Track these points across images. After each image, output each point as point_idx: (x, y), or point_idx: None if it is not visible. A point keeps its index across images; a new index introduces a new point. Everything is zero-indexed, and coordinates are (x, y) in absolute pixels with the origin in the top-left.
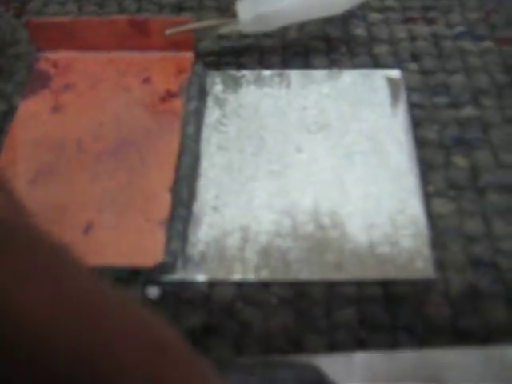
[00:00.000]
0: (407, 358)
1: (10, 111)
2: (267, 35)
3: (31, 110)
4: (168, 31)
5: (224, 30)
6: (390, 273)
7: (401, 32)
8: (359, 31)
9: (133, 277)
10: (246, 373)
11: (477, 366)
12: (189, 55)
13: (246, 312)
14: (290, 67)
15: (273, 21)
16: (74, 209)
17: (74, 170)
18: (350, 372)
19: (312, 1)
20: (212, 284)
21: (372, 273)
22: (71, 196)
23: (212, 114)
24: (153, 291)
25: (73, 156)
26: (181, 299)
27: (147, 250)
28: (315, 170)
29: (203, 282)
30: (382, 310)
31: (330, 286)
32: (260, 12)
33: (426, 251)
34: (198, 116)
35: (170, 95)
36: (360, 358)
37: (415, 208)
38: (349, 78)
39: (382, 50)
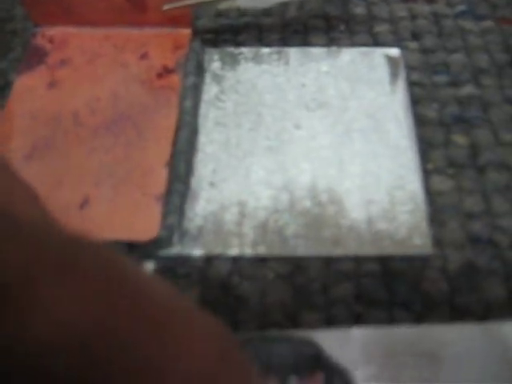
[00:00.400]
0: (405, 334)
1: (6, 87)
2: (266, 13)
3: (27, 86)
4: (165, 7)
5: (222, 6)
6: (388, 248)
7: (401, 11)
8: (359, 10)
9: (129, 251)
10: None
11: (474, 342)
12: (186, 31)
13: (242, 287)
14: (288, 45)
15: None
16: (70, 183)
17: (71, 144)
18: (347, 347)
19: None
20: (208, 259)
21: (369, 248)
22: (67, 170)
23: (210, 91)
24: (148, 266)
25: (69, 130)
26: (176, 274)
27: (143, 225)
28: (313, 146)
29: (199, 257)
30: (379, 286)
31: (328, 262)
32: None
33: (424, 227)
34: (196, 91)
35: (167, 71)
36: (357, 333)
37: (414, 184)
38: (348, 56)
39: (381, 28)
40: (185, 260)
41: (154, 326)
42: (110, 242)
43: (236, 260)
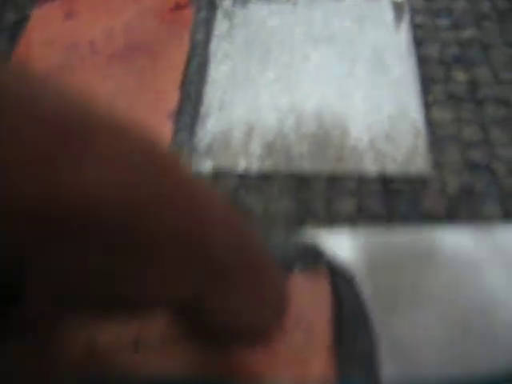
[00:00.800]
0: (405, 233)
1: (24, 20)
2: None
3: (44, 16)
4: None
5: None
6: (389, 167)
7: None
8: None
9: None
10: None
11: (471, 242)
12: None
13: (247, 200)
14: None
15: None
16: None
17: (86, 71)
18: (348, 245)
19: None
20: (216, 174)
21: (371, 166)
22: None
23: (221, 26)
24: None
25: (85, 57)
26: None
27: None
28: (320, 76)
29: (208, 172)
30: (380, 203)
31: (331, 179)
32: None
33: (424, 150)
34: (207, 26)
35: (179, 6)
36: (358, 232)
37: (415, 112)
38: None
39: None
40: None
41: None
42: None
43: (243, 176)
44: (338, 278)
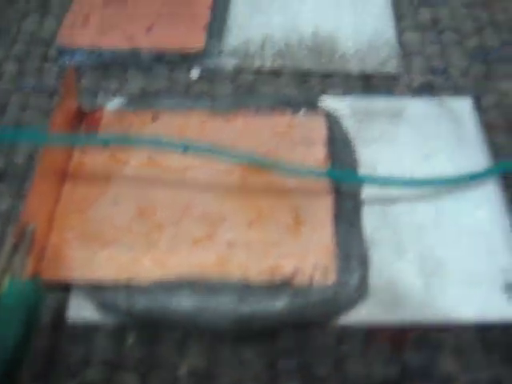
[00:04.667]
0: (381, 100)
1: None
2: None
3: None
4: None
5: None
6: (369, 66)
7: None
8: None
9: (180, 61)
10: None
11: (430, 109)
12: None
13: (261, 89)
14: None
15: None
16: (135, 17)
17: None
18: (339, 103)
19: None
20: (239, 70)
21: (355, 67)
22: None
23: None
24: (195, 72)
25: None
26: (213, 80)
27: (193, 39)
28: (317, 3)
29: (231, 69)
30: (361, 93)
31: (325, 77)
32: None
33: (396, 56)
34: None
35: None
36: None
37: (390, 32)
38: None
39: None
40: (220, 71)
41: None
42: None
43: (258, 72)
44: (331, 118)
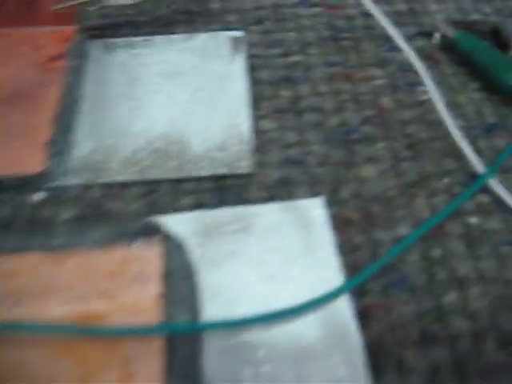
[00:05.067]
0: (222, 213)
1: None
2: (139, 13)
3: None
4: (54, 7)
5: (104, 3)
6: (220, 170)
7: (248, 3)
8: (215, 5)
9: (20, 185)
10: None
11: (281, 215)
12: (73, 27)
13: (110, 204)
14: (158, 34)
15: None
16: None
17: None
18: (182, 222)
19: None
20: (85, 187)
21: (206, 171)
22: None
23: (90, 71)
24: (37, 196)
25: None
26: (58, 202)
27: (32, 161)
28: (169, 104)
29: (78, 186)
30: (214, 198)
31: (175, 183)
32: None
33: (249, 153)
34: (78, 72)
35: (56, 57)
36: (191, 214)
37: (244, 125)
38: (201, 38)
39: (232, 18)
40: (66, 189)
41: None
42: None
43: (104, 186)
44: (171, 245)
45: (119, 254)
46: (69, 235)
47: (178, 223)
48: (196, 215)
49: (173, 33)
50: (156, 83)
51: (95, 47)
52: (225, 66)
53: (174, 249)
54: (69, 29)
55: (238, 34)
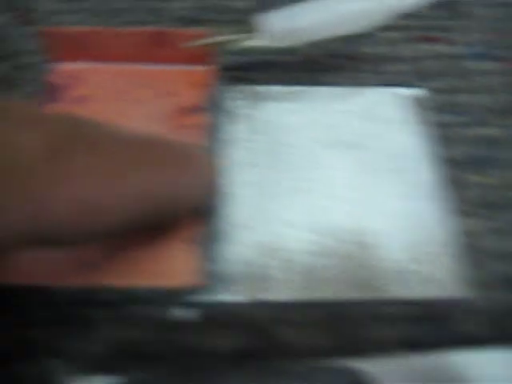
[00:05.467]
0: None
1: None
2: (289, 51)
3: None
4: (185, 44)
5: (245, 45)
6: (430, 291)
7: (423, 51)
8: (382, 49)
9: (165, 299)
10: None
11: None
12: (207, 69)
13: (285, 333)
14: (315, 84)
15: (301, 36)
16: None
17: None
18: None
19: (342, 17)
20: (243, 305)
21: (413, 291)
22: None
23: (233, 130)
24: (188, 314)
25: None
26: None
27: (179, 270)
28: (341, 186)
29: (235, 303)
30: (424, 331)
31: (370, 306)
32: (288, 26)
33: (464, 270)
34: (217, 131)
35: (189, 110)
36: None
37: (452, 226)
38: (372, 95)
39: (405, 67)
40: (223, 306)
41: None
42: (142, 289)
43: (274, 306)
44: None
45: None
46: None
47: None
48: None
49: (332, 83)
50: (319, 156)
51: (235, 96)
52: (406, 137)
53: None
54: (203, 70)
55: (418, 92)
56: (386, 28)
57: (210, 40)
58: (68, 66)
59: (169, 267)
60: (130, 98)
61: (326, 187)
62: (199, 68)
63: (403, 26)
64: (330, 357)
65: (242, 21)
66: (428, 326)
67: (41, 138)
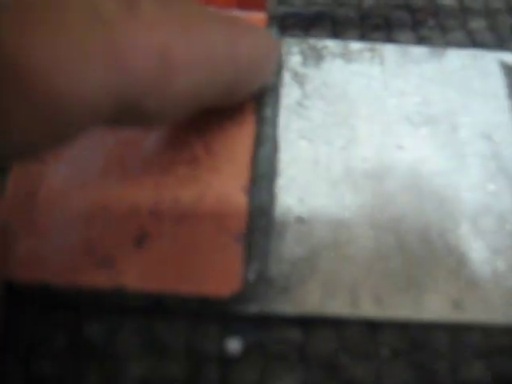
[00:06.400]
0: None
1: None
2: (340, 3)
3: None
4: None
5: None
6: None
7: (499, 2)
8: (448, 1)
9: (200, 310)
10: None
11: None
12: (259, 16)
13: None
14: (371, 40)
15: None
16: (124, 211)
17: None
18: None
19: None
20: (303, 320)
21: (501, 315)
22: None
23: (290, 94)
24: (233, 344)
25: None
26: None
27: (220, 274)
28: (421, 173)
29: (291, 316)
30: None
31: (453, 331)
32: None
33: None
34: (276, 94)
35: None
36: None
37: None
38: (455, 59)
39: (477, 24)
40: (277, 334)
41: None
42: (176, 299)
43: (337, 324)
44: None
45: None
46: None
47: None
48: None
49: (393, 40)
50: (395, 132)
51: (291, 51)
52: (499, 114)
53: None
54: (254, 17)
55: (510, 58)
56: None
57: None
58: None
59: (202, 268)
60: None
61: (396, 171)
62: (250, 14)
63: None
64: None
65: None
66: None
67: None
